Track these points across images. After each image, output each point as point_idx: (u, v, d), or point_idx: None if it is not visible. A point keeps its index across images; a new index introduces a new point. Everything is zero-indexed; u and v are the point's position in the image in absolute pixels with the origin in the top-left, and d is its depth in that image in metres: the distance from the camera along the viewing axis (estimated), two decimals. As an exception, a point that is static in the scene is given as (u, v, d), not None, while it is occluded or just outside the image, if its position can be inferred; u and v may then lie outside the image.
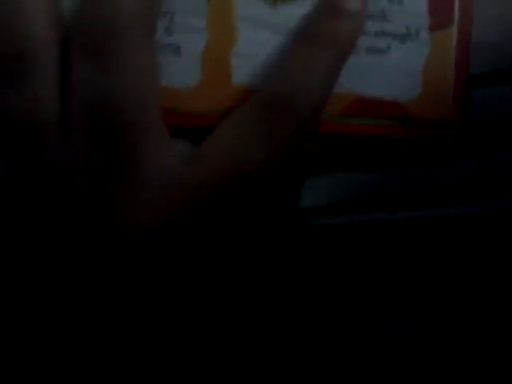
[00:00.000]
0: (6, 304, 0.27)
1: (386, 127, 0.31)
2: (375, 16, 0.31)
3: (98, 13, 0.27)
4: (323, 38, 0.29)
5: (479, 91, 0.31)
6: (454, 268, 0.32)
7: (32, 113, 0.28)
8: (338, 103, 0.31)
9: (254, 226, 0.28)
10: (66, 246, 0.28)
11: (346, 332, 0.32)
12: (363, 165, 0.33)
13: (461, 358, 0.32)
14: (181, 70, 0.32)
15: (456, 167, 0.32)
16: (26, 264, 0.28)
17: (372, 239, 0.32)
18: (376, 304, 0.32)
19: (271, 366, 0.31)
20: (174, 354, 0.28)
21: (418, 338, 0.32)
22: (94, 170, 0.28)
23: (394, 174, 0.32)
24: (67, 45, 0.28)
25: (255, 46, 0.31)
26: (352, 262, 0.32)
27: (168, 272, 0.28)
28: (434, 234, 0.32)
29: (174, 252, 0.28)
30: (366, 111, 0.31)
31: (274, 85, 0.29)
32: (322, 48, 0.29)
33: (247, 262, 0.28)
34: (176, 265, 0.28)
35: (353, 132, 0.31)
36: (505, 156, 0.32)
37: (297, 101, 0.29)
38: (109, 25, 0.27)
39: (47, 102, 0.28)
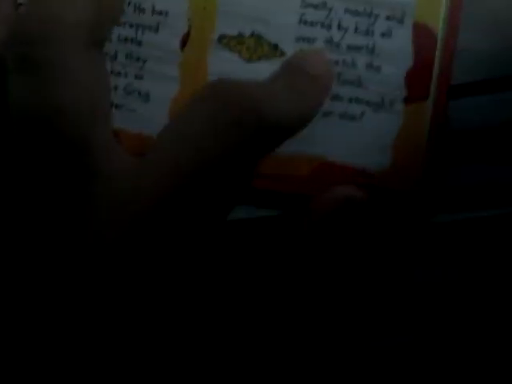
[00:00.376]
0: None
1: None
2: (351, 82, 0.30)
3: (35, 20, 0.26)
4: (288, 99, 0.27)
5: (457, 101, 0.30)
6: (452, 274, 0.31)
7: None
8: (307, 165, 0.31)
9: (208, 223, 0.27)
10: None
11: (349, 338, 0.31)
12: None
13: (459, 365, 0.31)
14: (149, 117, 0.31)
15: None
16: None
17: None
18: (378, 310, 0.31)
19: (266, 367, 0.30)
20: (157, 350, 0.27)
21: (413, 345, 0.31)
22: (51, 189, 0.27)
23: None
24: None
25: None
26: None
27: (142, 274, 0.27)
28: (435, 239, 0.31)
29: (145, 250, 0.26)
30: (333, 176, 0.30)
31: None
32: None
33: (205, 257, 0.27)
34: (149, 266, 0.27)
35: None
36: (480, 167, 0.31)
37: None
38: (47, 33, 0.25)
39: None
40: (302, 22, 0.30)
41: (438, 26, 0.30)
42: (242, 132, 0.26)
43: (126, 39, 0.31)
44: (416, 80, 0.30)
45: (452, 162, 0.31)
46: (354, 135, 0.30)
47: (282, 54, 0.30)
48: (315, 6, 0.30)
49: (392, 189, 0.30)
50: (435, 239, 0.31)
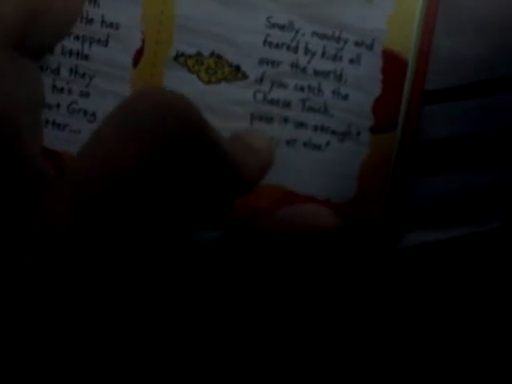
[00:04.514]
0: None
1: None
2: (317, 109, 0.29)
3: None
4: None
5: (430, 107, 0.29)
6: (432, 292, 0.31)
7: None
8: (268, 195, 0.29)
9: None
10: None
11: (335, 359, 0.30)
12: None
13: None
14: None
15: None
16: None
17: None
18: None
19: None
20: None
21: (400, 366, 0.30)
22: None
23: None
24: None
25: None
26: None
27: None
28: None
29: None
30: None
31: None
32: None
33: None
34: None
35: None
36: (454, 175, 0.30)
37: None
38: None
39: None
40: (267, 43, 0.28)
41: (409, 54, 0.28)
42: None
43: (70, 52, 0.28)
44: (384, 109, 0.29)
45: (420, 175, 0.30)
46: (318, 165, 0.29)
47: (245, 76, 0.28)
48: (281, 27, 0.28)
49: (355, 219, 0.29)
50: (404, 262, 0.31)
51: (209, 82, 0.28)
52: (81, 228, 0.24)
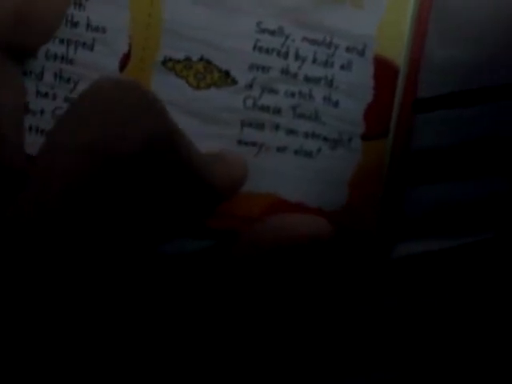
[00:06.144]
0: None
1: None
2: (308, 116, 0.28)
3: None
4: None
5: (423, 115, 0.29)
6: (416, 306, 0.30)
7: None
8: (259, 203, 0.28)
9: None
10: None
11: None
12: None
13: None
14: None
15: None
16: None
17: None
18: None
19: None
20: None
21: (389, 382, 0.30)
22: None
23: None
24: None
25: None
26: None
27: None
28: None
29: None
30: None
31: None
32: None
33: None
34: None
35: None
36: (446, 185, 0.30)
37: None
38: None
39: None
40: (257, 48, 0.28)
41: (401, 60, 0.28)
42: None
43: (55, 56, 0.27)
44: (375, 116, 0.28)
45: (412, 184, 0.30)
46: (309, 172, 0.28)
47: (234, 82, 0.28)
48: (271, 32, 0.28)
49: (346, 228, 0.29)
50: (394, 273, 0.30)
51: (198, 88, 0.28)
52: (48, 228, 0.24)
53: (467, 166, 0.30)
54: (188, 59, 0.28)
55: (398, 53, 0.28)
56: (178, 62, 0.28)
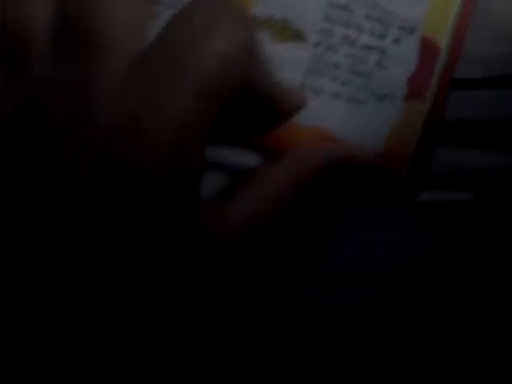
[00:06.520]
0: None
1: None
2: (361, 74, 0.34)
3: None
4: None
5: (456, 92, 0.34)
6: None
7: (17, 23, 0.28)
8: (307, 136, 0.34)
9: None
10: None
11: None
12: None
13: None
14: None
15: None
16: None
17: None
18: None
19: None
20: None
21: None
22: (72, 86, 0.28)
23: None
24: None
25: None
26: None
27: None
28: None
29: None
30: None
31: None
32: None
33: None
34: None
35: None
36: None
37: None
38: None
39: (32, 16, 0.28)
40: (327, 18, 0.35)
41: (444, 41, 0.34)
42: None
43: None
44: (416, 84, 0.34)
45: (440, 146, 0.34)
46: (355, 118, 0.34)
47: (305, 40, 0.35)
48: (339, 7, 0.35)
49: (382, 171, 0.33)
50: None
51: (274, 42, 0.35)
52: None
53: (495, 137, 0.35)
54: (271, 18, 0.35)
55: (442, 35, 0.34)
56: (263, 20, 0.35)
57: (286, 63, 0.34)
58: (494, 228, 0.34)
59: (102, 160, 0.26)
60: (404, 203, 0.34)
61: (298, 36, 0.35)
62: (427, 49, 0.35)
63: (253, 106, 0.30)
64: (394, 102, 0.34)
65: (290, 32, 0.35)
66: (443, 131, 0.35)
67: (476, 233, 0.34)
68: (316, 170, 0.31)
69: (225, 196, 0.30)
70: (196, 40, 0.26)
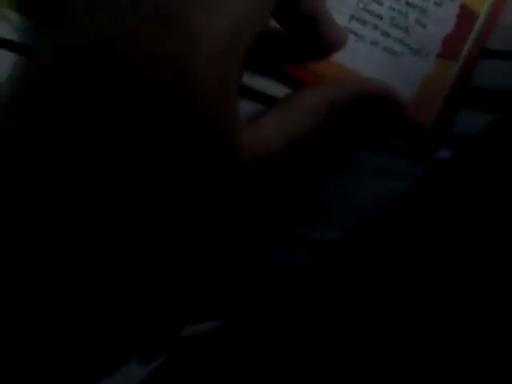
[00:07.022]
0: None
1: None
2: (400, 27, 0.37)
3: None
4: None
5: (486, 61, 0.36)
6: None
7: None
8: (340, 73, 0.36)
9: None
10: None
11: None
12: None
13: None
14: None
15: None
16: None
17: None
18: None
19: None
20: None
21: None
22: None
23: None
24: None
25: None
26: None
27: None
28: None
29: None
30: None
31: None
32: None
33: None
34: None
35: None
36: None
37: None
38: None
39: None
40: None
41: (482, 10, 0.37)
42: None
43: None
44: (451, 44, 0.36)
45: (465, 109, 0.37)
46: (390, 67, 0.36)
47: None
48: None
49: (409, 120, 0.36)
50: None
51: None
52: None
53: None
54: None
55: (481, 5, 0.37)
56: None
57: (334, 6, 0.37)
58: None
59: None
60: (422, 156, 0.36)
61: None
62: (465, 15, 0.37)
63: (298, 29, 0.32)
64: (427, 58, 0.36)
65: None
66: (468, 95, 0.37)
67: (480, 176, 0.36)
68: (350, 97, 0.33)
69: (261, 118, 0.31)
70: None
